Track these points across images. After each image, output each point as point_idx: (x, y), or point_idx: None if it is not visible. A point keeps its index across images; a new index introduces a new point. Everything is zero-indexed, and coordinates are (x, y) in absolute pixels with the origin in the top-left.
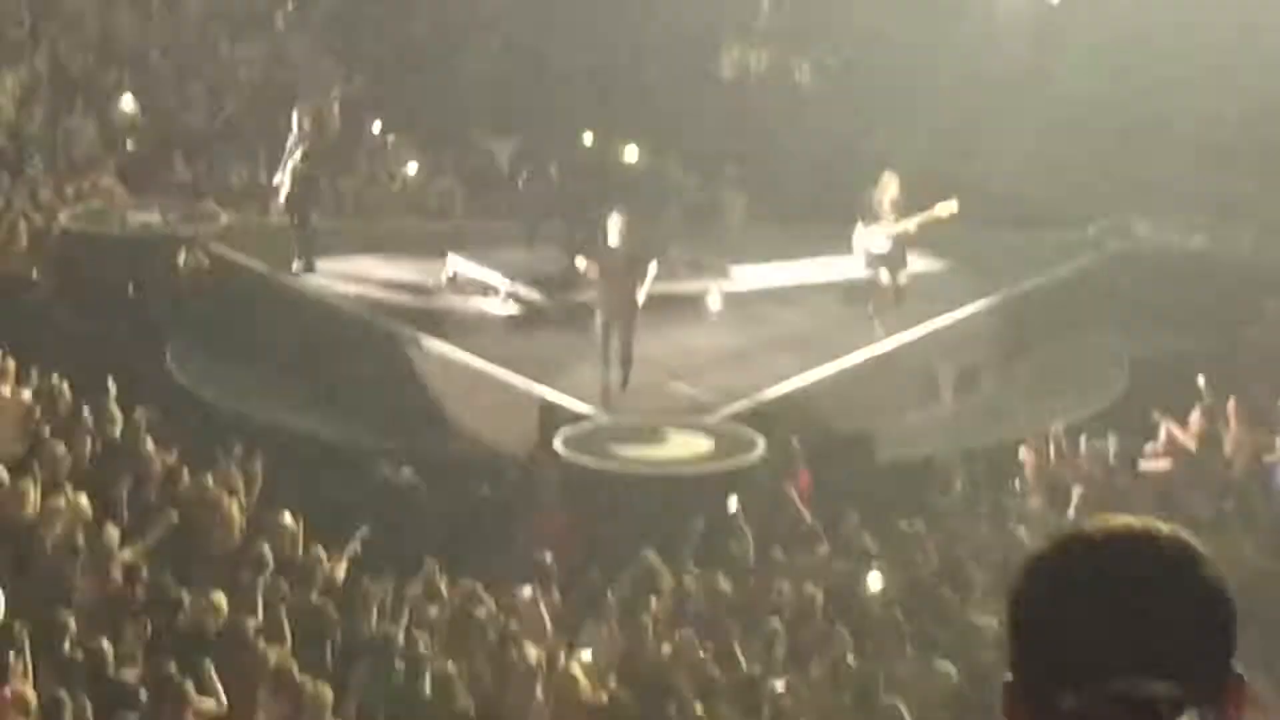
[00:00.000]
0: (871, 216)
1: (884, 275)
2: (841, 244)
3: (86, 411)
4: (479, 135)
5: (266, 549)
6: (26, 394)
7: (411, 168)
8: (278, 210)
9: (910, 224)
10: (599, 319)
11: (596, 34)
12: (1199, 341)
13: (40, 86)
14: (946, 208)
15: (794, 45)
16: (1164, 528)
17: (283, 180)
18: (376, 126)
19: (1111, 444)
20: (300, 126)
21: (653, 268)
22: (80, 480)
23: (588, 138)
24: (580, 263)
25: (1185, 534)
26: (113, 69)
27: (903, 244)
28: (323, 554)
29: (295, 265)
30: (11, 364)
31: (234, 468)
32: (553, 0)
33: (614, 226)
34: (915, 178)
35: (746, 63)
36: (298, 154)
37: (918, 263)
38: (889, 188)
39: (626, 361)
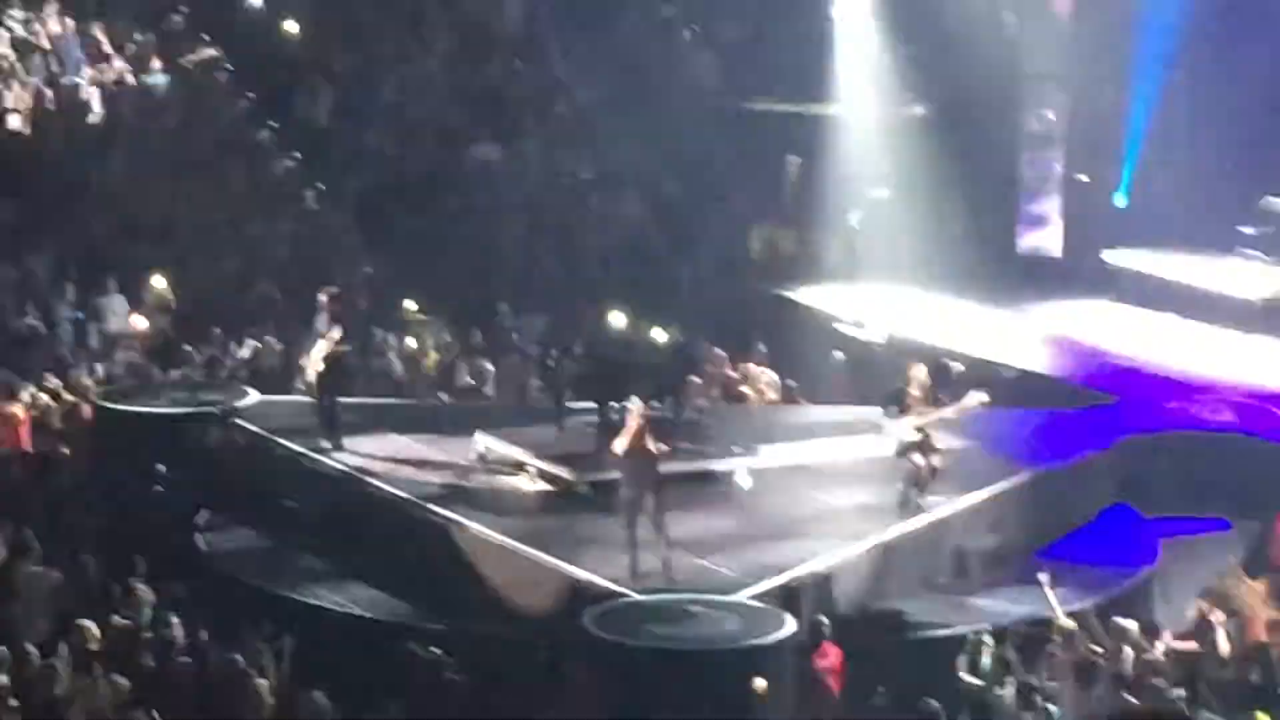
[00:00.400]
0: (900, 405)
1: (917, 458)
2: (870, 426)
3: (117, 590)
4: (508, 314)
5: None
6: (56, 574)
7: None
8: (306, 389)
9: (943, 413)
10: (623, 495)
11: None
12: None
13: (71, 264)
14: (977, 398)
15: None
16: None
17: (311, 360)
18: (410, 304)
19: (1136, 624)
20: (326, 309)
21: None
22: (109, 659)
23: (618, 318)
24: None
25: None
26: (143, 245)
27: (933, 429)
28: None
29: (323, 443)
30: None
31: (263, 645)
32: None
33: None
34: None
35: (775, 239)
36: (324, 336)
37: (943, 441)
38: (917, 377)
39: (665, 538)
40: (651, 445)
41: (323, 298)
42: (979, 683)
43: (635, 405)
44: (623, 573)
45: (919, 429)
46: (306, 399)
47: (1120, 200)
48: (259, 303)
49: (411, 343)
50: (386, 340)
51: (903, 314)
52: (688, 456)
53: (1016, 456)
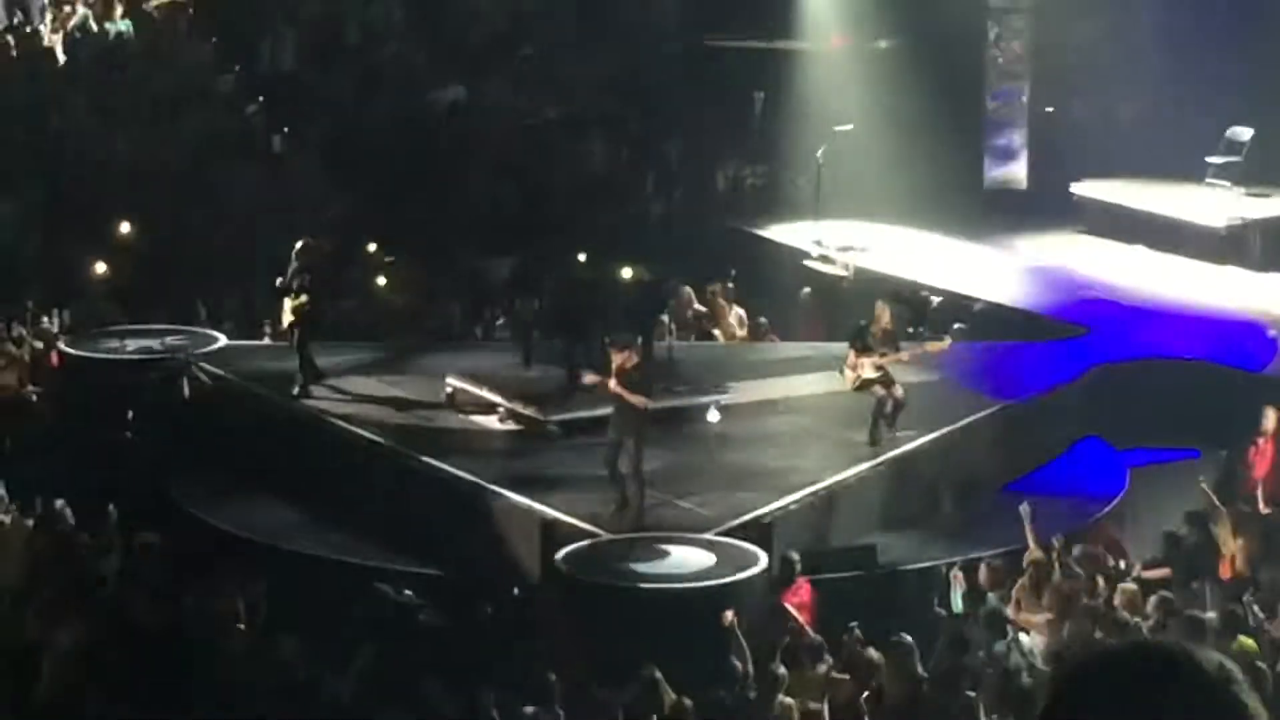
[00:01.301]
0: (863, 345)
1: (879, 390)
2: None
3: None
4: (475, 255)
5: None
6: (29, 522)
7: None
8: (278, 335)
9: (901, 356)
10: (610, 435)
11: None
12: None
13: (37, 213)
14: (937, 345)
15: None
16: (1202, 651)
17: (283, 309)
18: (372, 246)
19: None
20: (299, 259)
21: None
22: (81, 608)
23: (585, 258)
24: (588, 377)
25: (1223, 659)
26: (108, 195)
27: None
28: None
29: (295, 389)
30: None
31: (234, 591)
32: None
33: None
34: None
35: (742, 176)
36: (295, 285)
37: (912, 375)
38: (881, 318)
39: (638, 478)
40: (630, 396)
41: (298, 245)
42: (952, 614)
43: (620, 353)
44: (598, 510)
45: (879, 368)
46: (271, 343)
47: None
48: (224, 248)
49: (380, 281)
50: (353, 282)
51: (870, 248)
52: (658, 394)
53: (987, 389)
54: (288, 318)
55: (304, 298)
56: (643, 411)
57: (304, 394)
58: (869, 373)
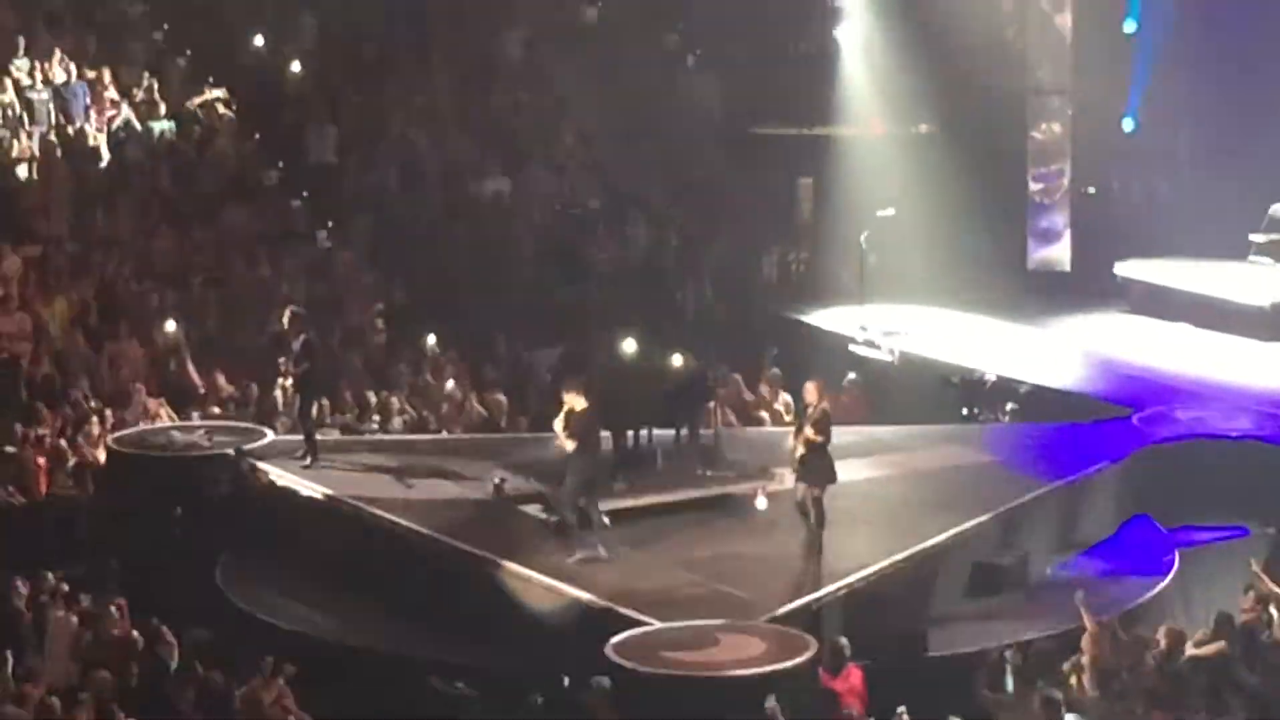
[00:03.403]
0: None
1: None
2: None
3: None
4: (521, 345)
5: None
6: (74, 619)
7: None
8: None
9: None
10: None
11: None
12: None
13: (88, 312)
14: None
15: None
16: None
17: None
18: (431, 340)
19: (1161, 631)
20: (289, 326)
21: None
22: (131, 705)
23: (630, 346)
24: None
25: None
26: (155, 293)
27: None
28: None
29: (305, 460)
30: (64, 587)
31: (284, 684)
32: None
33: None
34: None
35: (786, 262)
36: (293, 356)
37: (962, 454)
38: (808, 396)
39: (598, 524)
40: (561, 438)
41: (285, 315)
42: (1002, 699)
43: (569, 394)
44: (643, 602)
45: (805, 444)
46: (321, 437)
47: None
48: (273, 343)
49: (429, 378)
50: (403, 376)
51: (915, 332)
52: (705, 482)
53: (1034, 471)
54: (288, 390)
55: (305, 365)
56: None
57: (313, 463)
58: (799, 451)
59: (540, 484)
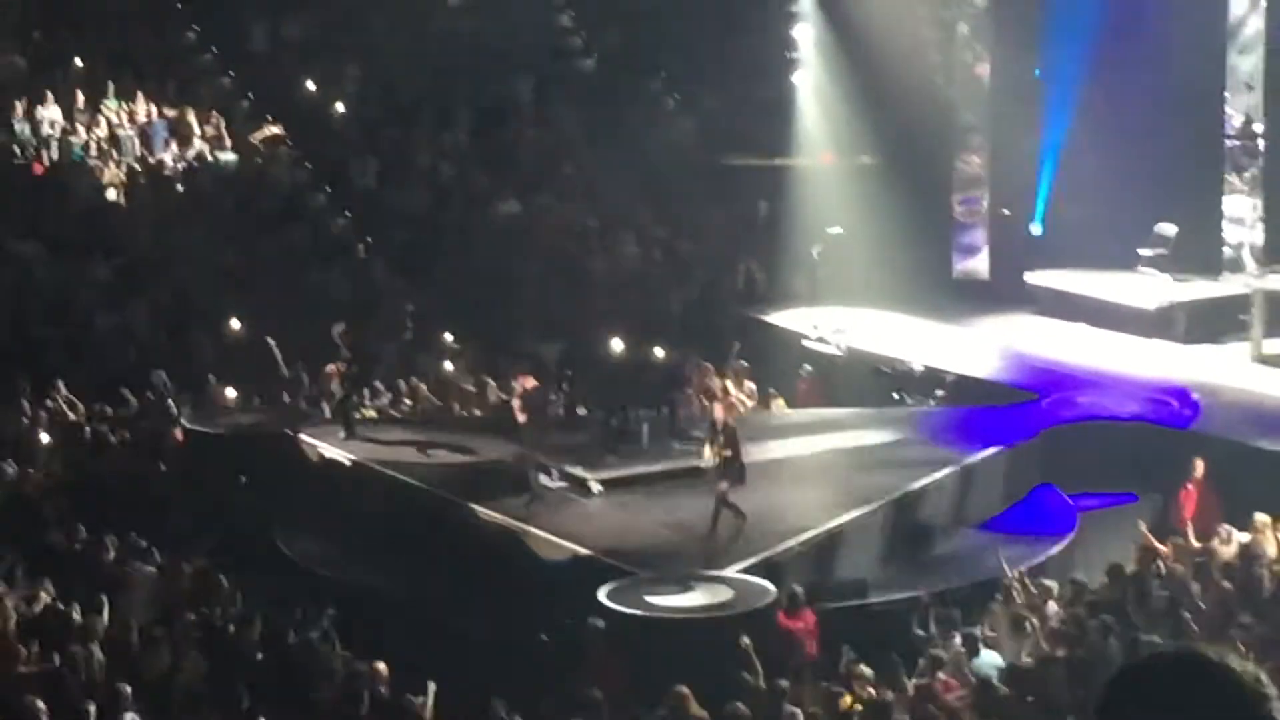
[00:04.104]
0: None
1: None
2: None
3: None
4: (530, 340)
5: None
6: (153, 571)
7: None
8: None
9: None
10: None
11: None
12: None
13: (165, 311)
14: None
15: None
16: (1241, 663)
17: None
18: (448, 338)
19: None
20: (341, 341)
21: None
22: (206, 644)
23: (619, 342)
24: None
25: (1260, 673)
26: (223, 294)
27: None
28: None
29: (343, 435)
30: (141, 544)
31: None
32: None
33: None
34: None
35: (750, 273)
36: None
37: (899, 432)
38: (713, 413)
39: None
40: (519, 414)
41: (336, 331)
42: (930, 637)
43: (522, 378)
44: (632, 556)
45: (717, 455)
46: (361, 417)
47: (1036, 229)
48: (320, 340)
49: (448, 366)
50: (426, 366)
51: (858, 330)
52: (683, 455)
53: (958, 446)
54: (337, 391)
55: (350, 366)
56: (531, 424)
57: (348, 438)
58: (712, 462)
59: (546, 455)
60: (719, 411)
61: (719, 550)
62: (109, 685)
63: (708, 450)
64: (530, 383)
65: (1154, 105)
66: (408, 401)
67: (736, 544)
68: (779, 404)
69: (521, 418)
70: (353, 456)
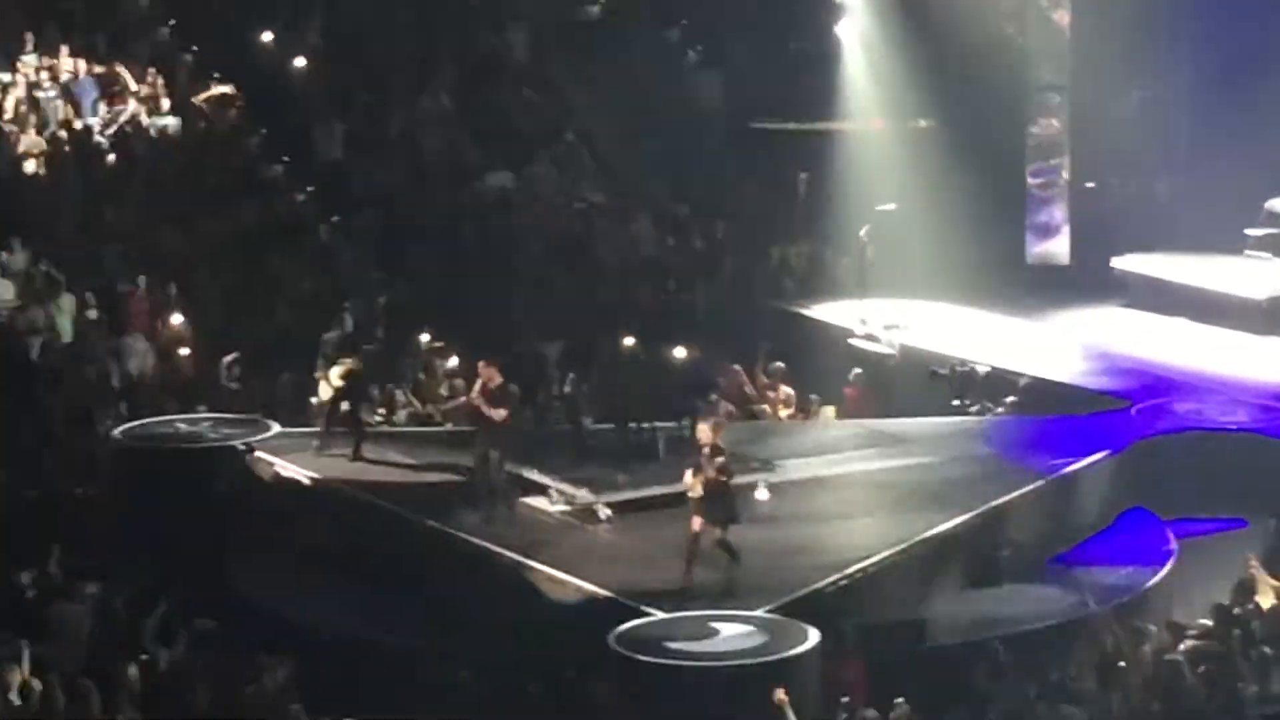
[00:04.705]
0: (695, 466)
1: (696, 523)
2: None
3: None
4: (525, 339)
5: None
6: (83, 610)
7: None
8: (319, 407)
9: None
10: (475, 448)
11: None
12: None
13: (93, 307)
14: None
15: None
16: None
17: (328, 377)
18: (424, 338)
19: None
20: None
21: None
22: (136, 699)
23: (633, 340)
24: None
25: None
26: (161, 286)
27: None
28: None
29: (342, 456)
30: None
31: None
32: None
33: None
34: None
35: (786, 256)
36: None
37: (962, 446)
38: (702, 435)
39: (500, 485)
40: (487, 409)
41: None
42: (1000, 688)
43: (485, 369)
44: (647, 592)
45: (703, 486)
46: (315, 429)
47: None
48: (276, 337)
49: (422, 375)
50: (404, 368)
51: (914, 325)
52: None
53: (1033, 463)
54: (335, 384)
55: (351, 365)
56: (501, 424)
57: (358, 458)
58: (694, 492)
59: (543, 474)
60: (705, 432)
61: (739, 588)
62: None
63: (689, 476)
64: (495, 376)
65: (1273, 60)
66: (381, 412)
67: (724, 591)
68: (826, 412)
69: (500, 415)
70: (314, 475)
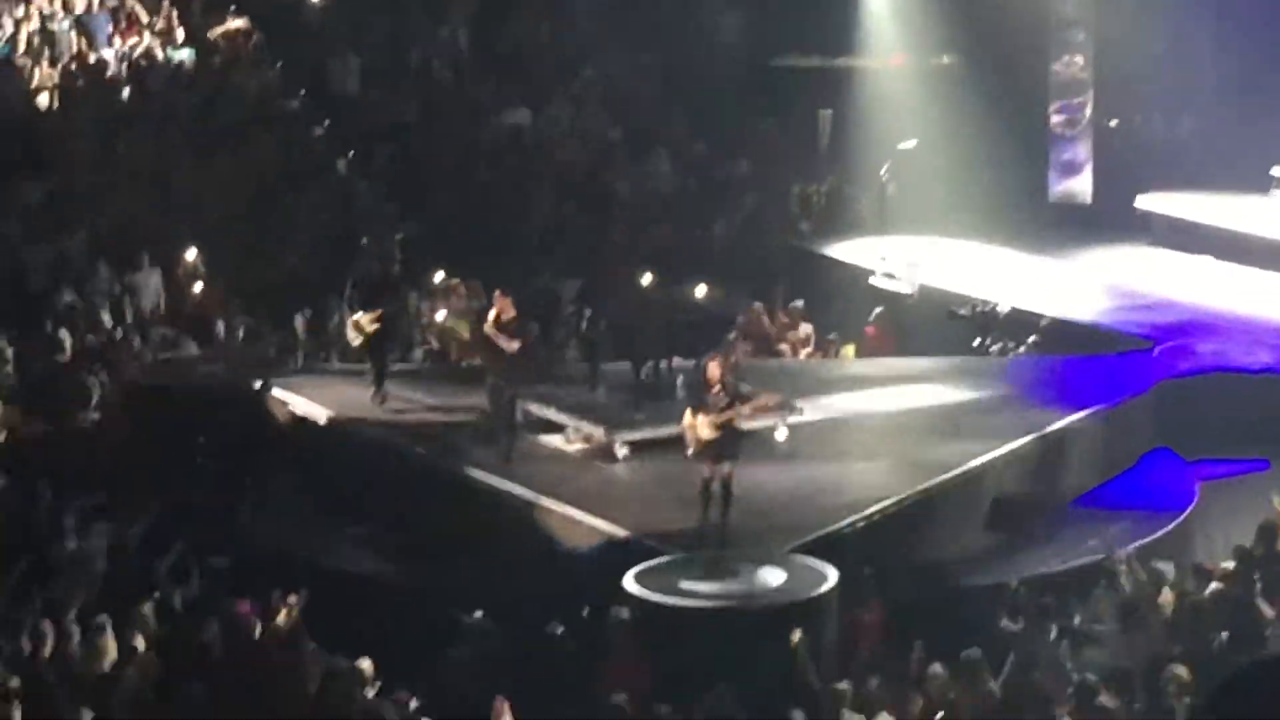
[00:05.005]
0: (698, 403)
1: (706, 470)
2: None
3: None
4: (541, 277)
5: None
6: (98, 550)
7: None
8: (349, 354)
9: (743, 411)
10: (488, 379)
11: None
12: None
13: (106, 243)
14: (771, 399)
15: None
16: None
17: (360, 321)
18: (438, 277)
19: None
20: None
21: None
22: (151, 635)
23: (651, 278)
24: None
25: None
26: (176, 222)
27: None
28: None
29: (372, 400)
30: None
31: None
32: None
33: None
34: None
35: (806, 194)
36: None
37: (983, 386)
38: (712, 372)
39: (517, 425)
40: (501, 341)
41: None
42: (1020, 631)
43: (500, 301)
44: (663, 531)
45: (718, 427)
46: (340, 368)
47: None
48: (292, 273)
49: (441, 314)
50: (419, 308)
51: (935, 264)
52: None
53: (1054, 403)
54: (367, 328)
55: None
56: (514, 355)
57: (382, 400)
58: (706, 433)
59: (560, 412)
60: (714, 369)
61: (750, 529)
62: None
63: (688, 416)
64: (509, 308)
65: None
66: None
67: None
68: (845, 352)
69: (514, 346)
70: (330, 414)
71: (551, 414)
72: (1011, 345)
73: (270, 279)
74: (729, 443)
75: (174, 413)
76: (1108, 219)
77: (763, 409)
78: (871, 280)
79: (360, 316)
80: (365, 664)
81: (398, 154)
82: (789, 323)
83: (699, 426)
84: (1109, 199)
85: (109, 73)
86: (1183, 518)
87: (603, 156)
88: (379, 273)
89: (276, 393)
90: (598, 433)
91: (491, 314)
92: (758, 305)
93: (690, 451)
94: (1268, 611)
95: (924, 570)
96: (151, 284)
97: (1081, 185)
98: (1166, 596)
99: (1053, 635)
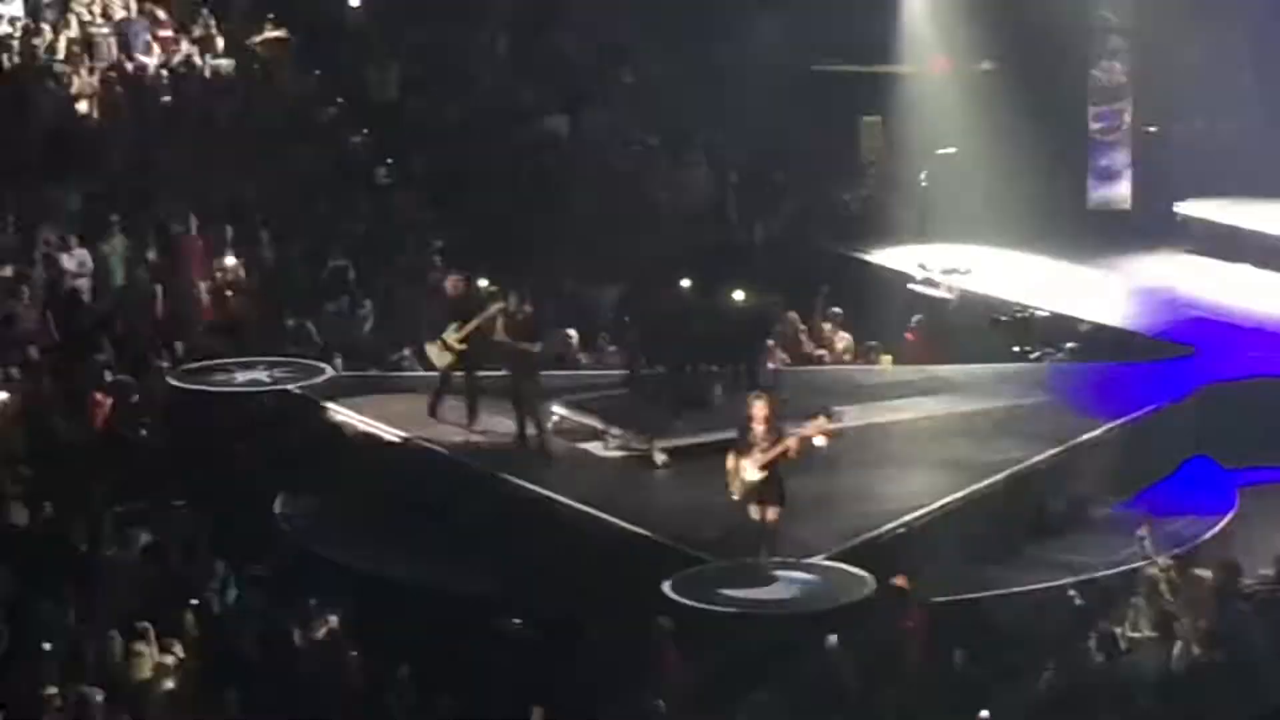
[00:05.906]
0: (743, 445)
1: (754, 511)
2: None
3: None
4: (581, 283)
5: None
6: (135, 557)
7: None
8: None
9: (789, 443)
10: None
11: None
12: None
13: (146, 247)
14: (826, 426)
15: None
16: None
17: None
18: (484, 283)
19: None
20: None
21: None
22: (190, 641)
23: (690, 284)
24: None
25: None
26: (214, 226)
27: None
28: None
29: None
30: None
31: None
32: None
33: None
34: None
35: (846, 200)
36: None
37: (1023, 393)
38: (758, 412)
39: (536, 414)
40: (508, 339)
41: (448, 283)
42: (1061, 638)
43: (495, 305)
44: (700, 539)
45: (764, 467)
46: (376, 375)
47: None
48: (331, 280)
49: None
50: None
51: (974, 270)
52: None
53: (1095, 410)
54: (455, 346)
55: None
56: (532, 354)
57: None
58: (751, 475)
59: (598, 419)
60: (760, 406)
61: (792, 536)
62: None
63: (731, 459)
64: (528, 309)
65: None
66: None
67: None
68: (885, 360)
69: (537, 346)
70: (371, 422)
71: (590, 420)
72: (1051, 352)
73: (309, 286)
74: (774, 485)
75: (213, 419)
76: (1147, 225)
77: (808, 437)
78: (911, 286)
79: (448, 335)
80: (403, 670)
81: (436, 161)
82: (828, 330)
83: (744, 469)
84: (1148, 205)
85: (148, 80)
86: (1223, 524)
87: (642, 163)
88: (461, 289)
89: (315, 399)
90: (637, 440)
91: (504, 318)
92: (794, 314)
93: (735, 496)
94: None
95: (963, 577)
96: (190, 290)
97: (1121, 191)
98: (1206, 604)
99: (1092, 643)
